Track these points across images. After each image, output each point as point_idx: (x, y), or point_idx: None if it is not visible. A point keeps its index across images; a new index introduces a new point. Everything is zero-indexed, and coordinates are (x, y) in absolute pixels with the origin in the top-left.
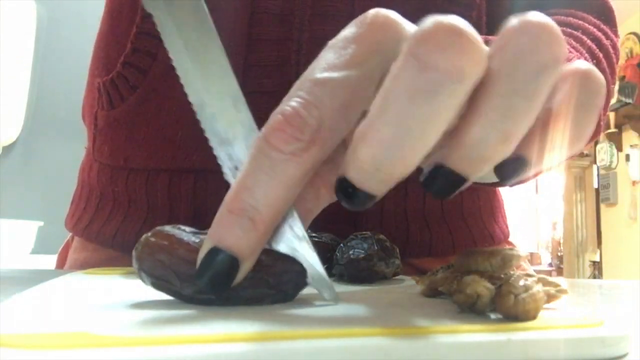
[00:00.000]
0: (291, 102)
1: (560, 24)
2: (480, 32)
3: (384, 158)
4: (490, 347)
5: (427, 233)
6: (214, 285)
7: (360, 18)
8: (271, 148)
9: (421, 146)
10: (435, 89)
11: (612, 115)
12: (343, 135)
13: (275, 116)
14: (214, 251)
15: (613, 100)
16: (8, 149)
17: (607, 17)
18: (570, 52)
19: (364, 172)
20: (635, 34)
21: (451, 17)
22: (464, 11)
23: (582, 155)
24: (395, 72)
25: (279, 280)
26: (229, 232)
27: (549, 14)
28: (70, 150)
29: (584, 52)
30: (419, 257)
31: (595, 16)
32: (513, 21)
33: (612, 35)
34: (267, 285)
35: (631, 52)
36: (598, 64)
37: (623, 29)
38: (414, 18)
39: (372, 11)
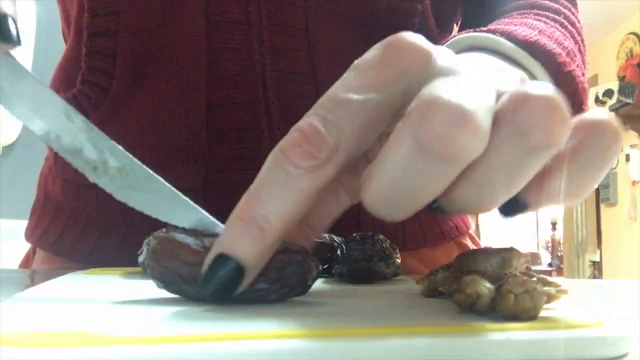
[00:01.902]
0: (311, 119)
1: (540, 7)
2: (428, 35)
3: (381, 206)
4: (490, 347)
5: (401, 229)
6: (218, 292)
7: (388, 41)
8: (288, 162)
9: (417, 203)
10: (429, 167)
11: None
12: (359, 154)
13: (294, 132)
14: (222, 258)
15: (613, 100)
16: (8, 149)
17: (574, 1)
18: (565, 39)
19: (372, 205)
20: (635, 34)
21: (455, 88)
22: (407, 20)
23: None
24: (395, 143)
25: (280, 275)
26: (238, 239)
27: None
28: None
29: (569, 36)
30: None
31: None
32: (519, 93)
33: (579, 19)
34: (268, 281)
35: (631, 52)
36: (579, 47)
37: (623, 29)
38: (358, 30)
39: (400, 35)
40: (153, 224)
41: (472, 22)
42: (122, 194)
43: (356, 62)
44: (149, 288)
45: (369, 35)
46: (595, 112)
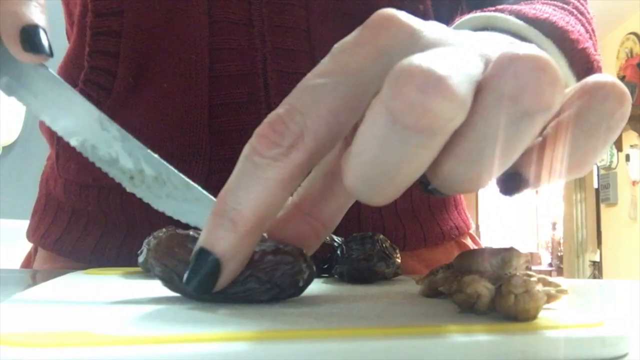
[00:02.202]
0: (279, 108)
1: None
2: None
3: (362, 188)
4: (490, 347)
5: (401, 229)
6: (199, 287)
7: (368, 20)
8: (254, 153)
9: (399, 182)
10: (405, 141)
11: None
12: (335, 139)
13: (263, 124)
14: (200, 253)
15: None
16: (8, 149)
17: None
18: (576, 23)
19: (353, 187)
20: (635, 34)
21: (430, 56)
22: (412, 4)
23: None
24: (369, 118)
25: (270, 276)
26: (212, 233)
27: None
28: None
29: (578, 24)
30: None
31: None
32: (503, 55)
33: (589, 10)
34: (259, 281)
35: (631, 52)
36: (590, 36)
37: (623, 29)
38: (363, 14)
39: (376, 13)
40: (154, 224)
41: None
42: (160, 203)
43: (335, 45)
44: (149, 288)
45: None
46: (598, 76)
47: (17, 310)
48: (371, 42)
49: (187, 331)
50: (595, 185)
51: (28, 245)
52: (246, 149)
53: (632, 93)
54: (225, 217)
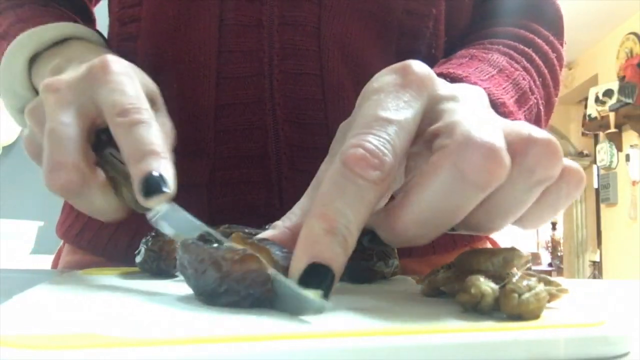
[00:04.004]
0: (369, 137)
1: (515, 38)
2: (438, 41)
3: (415, 230)
4: (495, 346)
5: None
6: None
7: (403, 68)
8: (356, 176)
9: (447, 224)
10: (464, 193)
11: (612, 115)
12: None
13: (354, 149)
14: (315, 267)
15: (613, 100)
16: (8, 149)
17: (557, 28)
18: (523, 78)
19: (406, 229)
20: (635, 34)
21: (490, 131)
22: (421, 22)
23: (582, 155)
24: (435, 172)
25: (241, 285)
26: (329, 249)
27: (506, 25)
28: None
29: (533, 71)
30: (400, 258)
31: (546, 28)
32: (524, 135)
33: (559, 46)
34: (234, 291)
35: (631, 52)
36: (543, 80)
37: (623, 29)
38: (371, 31)
39: (416, 64)
40: None
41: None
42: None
43: (375, 85)
44: (148, 288)
45: (380, 38)
46: (571, 163)
47: (22, 312)
48: (414, 89)
49: (187, 332)
50: (595, 185)
51: (28, 245)
52: (340, 171)
53: (632, 93)
54: (339, 235)
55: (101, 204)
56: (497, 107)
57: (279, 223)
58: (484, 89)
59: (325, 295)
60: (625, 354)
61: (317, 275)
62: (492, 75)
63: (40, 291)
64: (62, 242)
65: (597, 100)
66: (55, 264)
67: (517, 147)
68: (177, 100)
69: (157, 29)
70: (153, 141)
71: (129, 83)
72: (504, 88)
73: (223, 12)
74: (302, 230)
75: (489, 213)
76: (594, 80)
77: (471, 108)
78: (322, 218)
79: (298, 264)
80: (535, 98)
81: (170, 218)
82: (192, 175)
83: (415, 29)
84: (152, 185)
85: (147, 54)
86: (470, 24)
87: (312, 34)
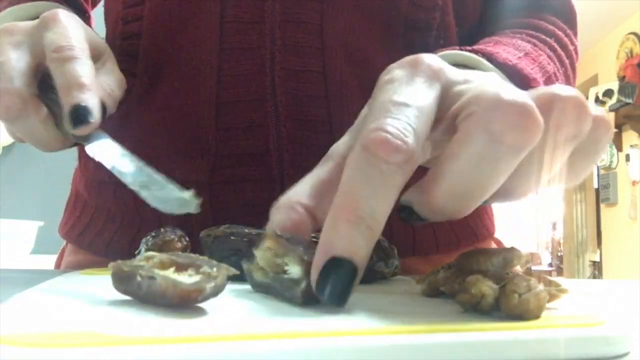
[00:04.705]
0: (389, 120)
1: (535, 28)
2: (447, 32)
3: (452, 203)
4: (495, 346)
5: (411, 232)
6: (336, 295)
7: (414, 60)
8: (379, 160)
9: (482, 195)
10: (499, 157)
11: (612, 115)
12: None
13: (375, 132)
14: (335, 261)
15: (613, 100)
16: (8, 149)
17: (572, 22)
18: (548, 63)
19: (443, 204)
20: (635, 34)
21: (516, 92)
22: (428, 14)
23: None
24: (465, 139)
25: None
26: (350, 241)
27: (523, 16)
28: (71, 150)
29: (556, 60)
30: (403, 257)
31: (563, 21)
32: (547, 92)
33: (575, 40)
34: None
35: (631, 52)
36: (565, 70)
37: (623, 29)
38: (375, 26)
39: (427, 56)
40: (162, 220)
41: (478, 28)
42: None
43: (387, 77)
44: None
45: (385, 32)
46: (598, 110)
47: (23, 310)
48: (426, 80)
49: (186, 332)
50: (595, 185)
51: (28, 245)
52: (362, 156)
53: (632, 93)
54: (362, 224)
55: (40, 133)
56: (530, 82)
57: (290, 202)
58: (514, 65)
59: (348, 290)
60: (625, 354)
61: (334, 270)
62: (520, 57)
63: (40, 291)
64: (64, 242)
65: (597, 100)
66: (58, 264)
67: (545, 106)
68: (178, 98)
69: (159, 27)
70: (81, 74)
71: (72, 29)
72: (531, 69)
73: (224, 9)
74: (325, 222)
75: (523, 177)
76: (594, 80)
77: (488, 81)
78: (345, 209)
79: (319, 259)
80: (562, 83)
81: (106, 151)
82: (193, 173)
83: (422, 22)
84: (79, 115)
85: (149, 52)
86: (484, 18)
87: (315, 31)
